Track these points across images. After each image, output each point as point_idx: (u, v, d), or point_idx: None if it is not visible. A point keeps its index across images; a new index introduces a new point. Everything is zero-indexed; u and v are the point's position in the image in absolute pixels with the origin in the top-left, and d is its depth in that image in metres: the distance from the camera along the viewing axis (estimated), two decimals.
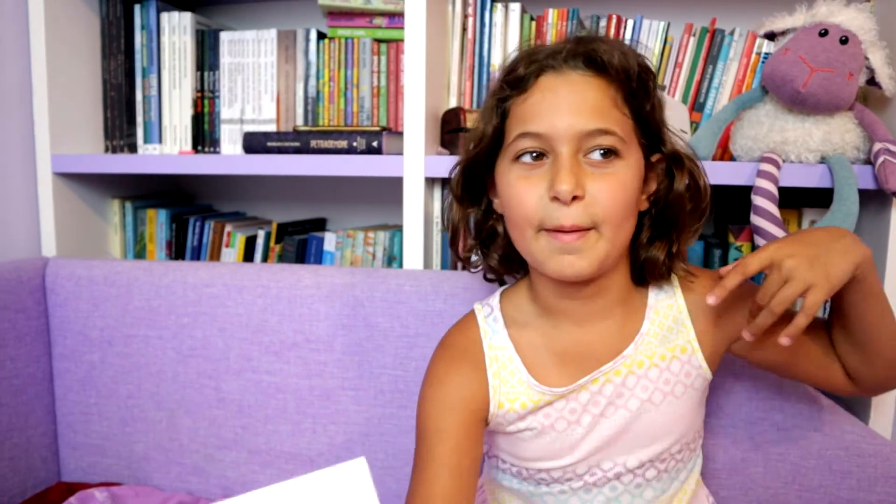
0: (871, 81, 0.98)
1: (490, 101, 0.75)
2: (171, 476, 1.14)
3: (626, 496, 0.79)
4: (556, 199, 0.67)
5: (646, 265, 0.77)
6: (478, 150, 0.76)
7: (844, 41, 0.95)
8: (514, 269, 0.83)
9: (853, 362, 0.76)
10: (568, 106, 0.69)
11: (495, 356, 0.79)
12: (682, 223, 0.76)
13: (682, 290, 0.80)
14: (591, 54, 0.70)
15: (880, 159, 0.93)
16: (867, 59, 0.96)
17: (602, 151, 0.69)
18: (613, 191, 0.68)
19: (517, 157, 0.71)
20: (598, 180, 0.68)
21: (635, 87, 0.71)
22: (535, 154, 0.70)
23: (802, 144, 0.98)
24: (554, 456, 0.78)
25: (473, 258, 0.86)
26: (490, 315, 0.82)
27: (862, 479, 0.93)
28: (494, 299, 0.84)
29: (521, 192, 0.70)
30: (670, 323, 0.79)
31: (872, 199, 1.00)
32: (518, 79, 0.72)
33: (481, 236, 0.83)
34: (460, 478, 0.75)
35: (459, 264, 1.20)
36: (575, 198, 0.67)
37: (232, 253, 1.36)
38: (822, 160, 0.99)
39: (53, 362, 1.18)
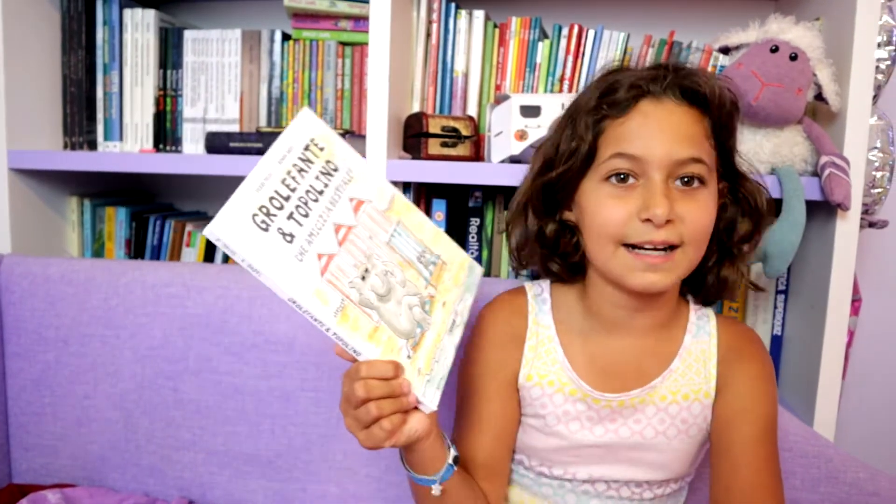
0: (819, 97, 1.02)
1: (584, 120, 0.76)
2: (126, 477, 1.13)
3: None
4: (648, 220, 0.70)
5: (721, 286, 0.82)
6: (569, 166, 0.77)
7: (794, 58, 0.98)
8: (574, 276, 0.85)
9: None
10: (665, 133, 0.72)
11: (536, 332, 0.83)
12: (740, 245, 0.81)
13: (717, 333, 0.83)
14: (692, 87, 0.73)
15: (826, 172, 0.97)
16: (815, 75, 1.00)
17: (689, 178, 0.72)
18: (700, 214, 0.72)
19: (608, 177, 0.74)
20: (686, 204, 0.71)
21: (724, 121, 0.75)
22: (623, 175, 0.73)
23: (753, 156, 1.01)
24: (561, 455, 0.83)
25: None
26: (539, 295, 0.86)
27: (805, 479, 0.96)
28: (545, 283, 0.87)
29: (611, 209, 0.73)
30: (699, 365, 0.82)
31: (819, 210, 1.04)
32: (618, 101, 0.74)
33: (549, 247, 0.83)
34: (500, 438, 0.82)
35: None
36: (668, 221, 0.70)
37: (192, 253, 1.35)
38: (772, 171, 1.03)
39: (6, 361, 1.16)
